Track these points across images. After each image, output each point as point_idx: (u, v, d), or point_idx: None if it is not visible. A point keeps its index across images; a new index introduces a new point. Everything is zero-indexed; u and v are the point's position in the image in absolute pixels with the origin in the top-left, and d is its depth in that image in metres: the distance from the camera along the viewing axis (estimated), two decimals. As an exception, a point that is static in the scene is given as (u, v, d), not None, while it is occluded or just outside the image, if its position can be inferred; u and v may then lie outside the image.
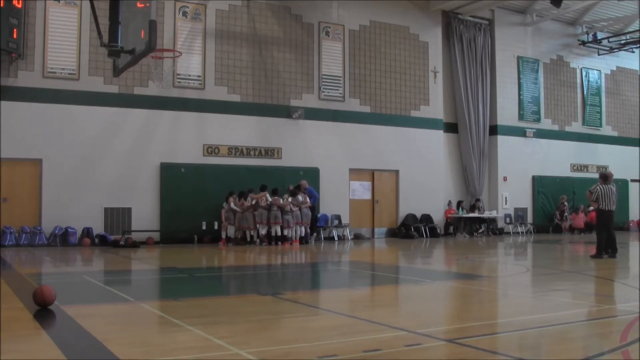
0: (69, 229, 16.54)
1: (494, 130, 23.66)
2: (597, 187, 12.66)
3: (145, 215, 17.59)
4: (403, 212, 21.53)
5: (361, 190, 21.12)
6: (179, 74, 18.16)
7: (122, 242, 16.33)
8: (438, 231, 21.68)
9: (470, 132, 23.02)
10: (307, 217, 17.79)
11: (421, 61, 22.21)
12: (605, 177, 12.78)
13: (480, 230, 22.51)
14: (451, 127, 23.11)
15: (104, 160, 17.17)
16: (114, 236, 16.88)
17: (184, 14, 18.44)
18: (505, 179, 23.68)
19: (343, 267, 12.74)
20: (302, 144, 19.87)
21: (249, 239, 17.37)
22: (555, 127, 25.41)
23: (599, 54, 26.67)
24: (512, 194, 23.80)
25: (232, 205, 17.37)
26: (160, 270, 11.68)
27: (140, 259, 13.49)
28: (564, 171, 25.39)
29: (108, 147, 17.24)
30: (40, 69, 16.57)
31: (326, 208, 19.97)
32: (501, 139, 23.72)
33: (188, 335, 5.21)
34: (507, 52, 24.10)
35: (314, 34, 20.37)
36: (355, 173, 20.92)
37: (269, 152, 19.47)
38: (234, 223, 17.51)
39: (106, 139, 17.24)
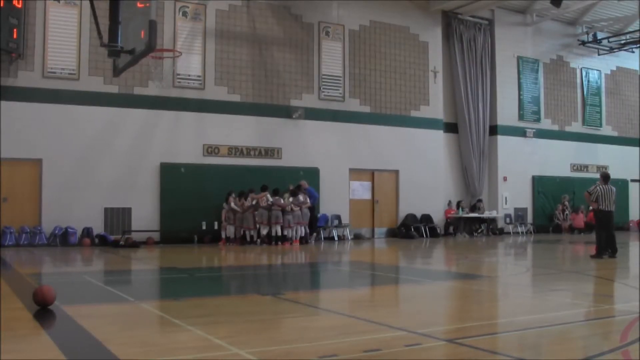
0: (69, 229, 16.53)
1: (494, 130, 23.66)
2: (597, 187, 12.66)
3: (145, 215, 17.58)
4: (403, 212, 21.52)
5: (361, 190, 21.11)
6: (178, 74, 18.16)
7: (122, 242, 16.33)
8: (438, 231, 21.68)
9: (470, 132, 23.02)
10: (306, 217, 17.79)
11: (421, 61, 22.21)
12: (605, 177, 12.79)
13: (480, 230, 22.52)
14: (451, 127, 23.11)
15: (104, 160, 17.17)
16: (114, 236, 16.88)
17: (184, 14, 18.44)
18: (505, 179, 23.68)
19: (343, 267, 12.74)
20: (302, 144, 19.86)
21: (249, 239, 17.37)
22: (555, 127, 25.41)
23: (599, 54, 26.67)
24: (512, 194, 23.79)
25: (232, 205, 17.37)
26: (160, 270, 11.69)
27: (140, 259, 13.49)
28: (564, 171, 25.39)
29: (108, 147, 17.23)
30: (40, 69, 16.56)
31: (326, 208, 19.96)
32: (501, 139, 23.72)
33: (188, 335, 5.21)
34: (507, 52, 24.09)
35: (314, 34, 20.36)
36: (355, 173, 20.92)
37: (269, 152, 19.46)
38: (234, 223, 17.51)
39: (106, 139, 17.24)
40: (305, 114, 19.79)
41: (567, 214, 24.35)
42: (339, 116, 20.47)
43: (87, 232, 16.77)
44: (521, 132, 24.17)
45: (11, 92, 16.07)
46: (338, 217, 20.21)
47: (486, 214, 22.61)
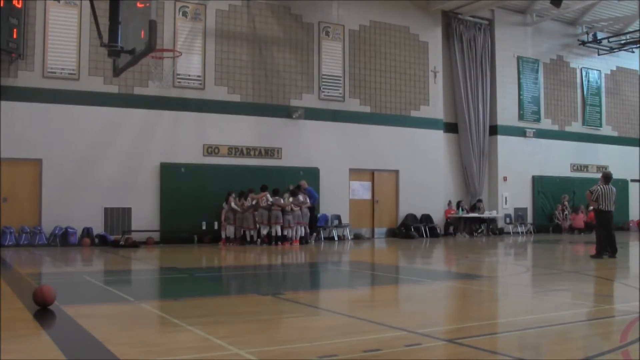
0: (69, 229, 16.53)
1: (494, 130, 23.66)
2: (598, 187, 12.67)
3: (145, 215, 17.58)
4: (403, 212, 21.52)
5: (361, 190, 21.11)
6: (179, 74, 18.15)
7: (122, 242, 16.33)
8: (438, 231, 21.68)
9: (470, 132, 23.02)
10: (306, 217, 17.79)
11: (421, 61, 22.21)
12: (607, 178, 12.79)
13: (480, 230, 22.52)
14: (451, 127, 23.11)
15: (104, 160, 17.17)
16: (114, 236, 16.87)
17: (184, 14, 18.44)
18: (505, 179, 23.68)
19: (343, 267, 12.74)
20: (302, 144, 19.86)
21: (249, 239, 17.37)
22: (555, 127, 25.41)
23: (599, 54, 26.67)
24: (512, 194, 23.79)
25: (232, 205, 17.36)
26: (160, 270, 11.68)
27: (140, 259, 13.49)
28: (564, 171, 25.39)
29: (108, 147, 17.24)
30: (40, 69, 16.56)
31: (326, 208, 19.96)
32: (501, 139, 23.72)
33: (188, 335, 5.21)
34: (507, 52, 24.10)
35: (314, 34, 20.36)
36: (355, 173, 20.92)
37: (269, 152, 19.46)
38: (234, 223, 17.51)
39: (106, 139, 17.24)
40: (305, 114, 19.79)
41: (567, 214, 24.35)
42: (339, 116, 20.47)
43: (87, 232, 16.76)
44: (521, 132, 24.17)
45: (11, 92, 16.08)
46: (338, 217, 20.21)
47: (486, 214, 22.60)
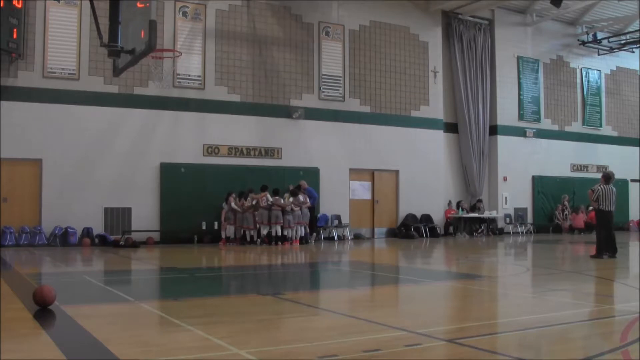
0: (69, 229, 16.53)
1: (494, 130, 23.66)
2: (599, 187, 12.67)
3: (145, 215, 17.58)
4: (403, 212, 21.53)
5: (361, 190, 21.11)
6: (179, 74, 18.16)
7: (122, 242, 16.33)
8: (438, 231, 21.68)
9: (470, 132, 23.03)
10: (306, 217, 17.79)
11: (421, 61, 22.21)
12: (607, 178, 12.79)
13: (480, 230, 22.51)
14: (451, 127, 23.11)
15: (104, 160, 17.17)
16: (114, 236, 16.88)
17: (184, 14, 18.44)
18: (505, 179, 23.69)
19: (343, 267, 12.74)
20: (302, 144, 19.87)
21: (249, 239, 17.37)
22: (555, 127, 25.41)
23: (599, 54, 26.68)
24: (512, 194, 23.79)
25: (232, 205, 17.37)
26: (160, 270, 11.68)
27: (140, 259, 13.49)
28: (564, 171, 25.40)
29: (108, 147, 17.24)
30: (40, 69, 16.57)
31: (326, 208, 19.96)
32: (501, 139, 23.72)
33: (188, 335, 5.21)
34: (507, 52, 24.10)
35: (314, 34, 20.36)
36: (355, 173, 20.92)
37: (269, 152, 19.47)
38: (234, 223, 17.52)
39: (106, 139, 17.24)
40: (305, 114, 19.79)
41: (567, 214, 24.36)
42: (339, 116, 20.48)
43: (87, 232, 16.77)
44: (521, 132, 24.17)
45: (11, 92, 16.08)
46: (338, 217, 20.21)
47: (486, 214, 22.60)
